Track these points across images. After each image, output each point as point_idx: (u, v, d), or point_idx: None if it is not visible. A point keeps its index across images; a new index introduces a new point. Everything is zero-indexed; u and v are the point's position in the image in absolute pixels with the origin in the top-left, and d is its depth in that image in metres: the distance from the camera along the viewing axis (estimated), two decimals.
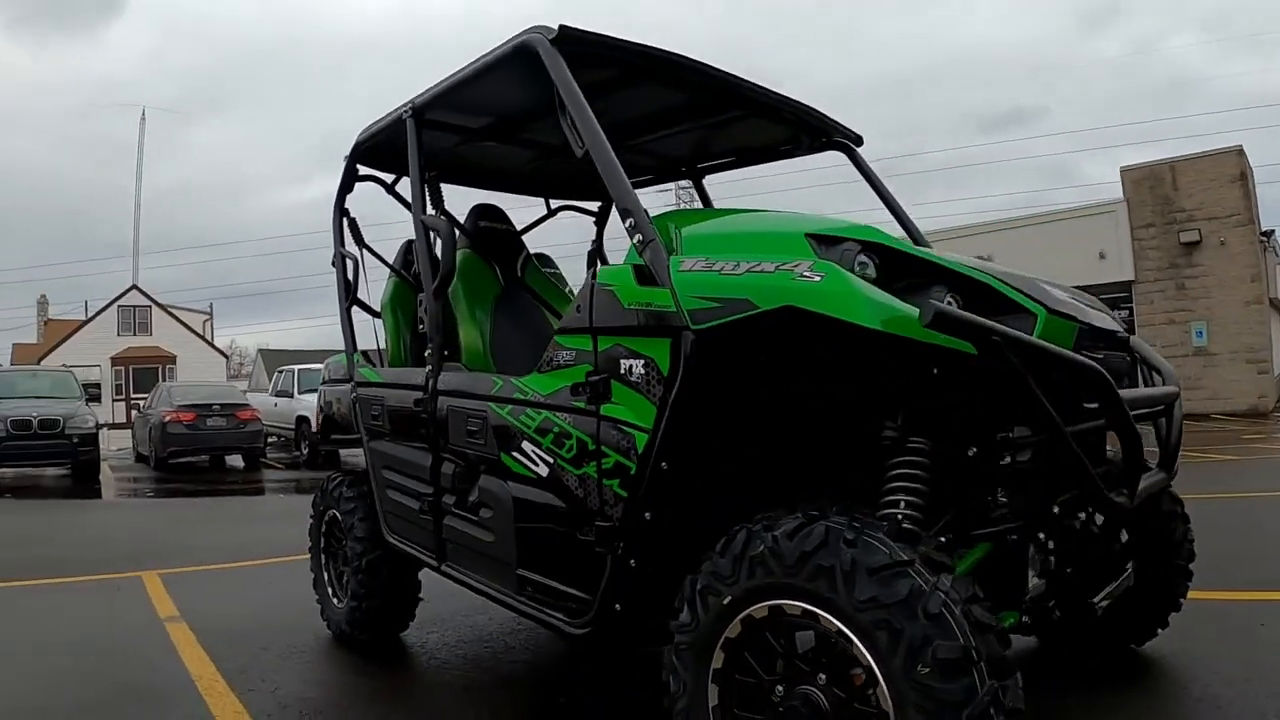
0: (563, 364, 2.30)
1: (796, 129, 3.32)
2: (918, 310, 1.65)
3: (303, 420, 14.86)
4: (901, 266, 1.93)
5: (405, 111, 3.08)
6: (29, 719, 2.88)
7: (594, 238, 4.34)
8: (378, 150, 3.49)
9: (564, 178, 4.02)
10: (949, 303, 1.84)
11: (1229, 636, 3.25)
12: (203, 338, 40.03)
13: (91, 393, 16.03)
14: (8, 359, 38.75)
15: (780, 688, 1.70)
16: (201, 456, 14.70)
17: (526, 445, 2.43)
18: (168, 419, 13.89)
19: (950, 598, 1.52)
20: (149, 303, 38.89)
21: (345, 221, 3.71)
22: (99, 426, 12.91)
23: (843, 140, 3.37)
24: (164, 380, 26.14)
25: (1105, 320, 2.25)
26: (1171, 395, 2.37)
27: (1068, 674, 2.94)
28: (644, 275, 2.06)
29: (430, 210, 3.45)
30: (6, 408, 11.93)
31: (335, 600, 3.74)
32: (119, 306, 38.58)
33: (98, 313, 38.82)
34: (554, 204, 4.23)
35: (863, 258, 1.89)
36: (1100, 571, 2.57)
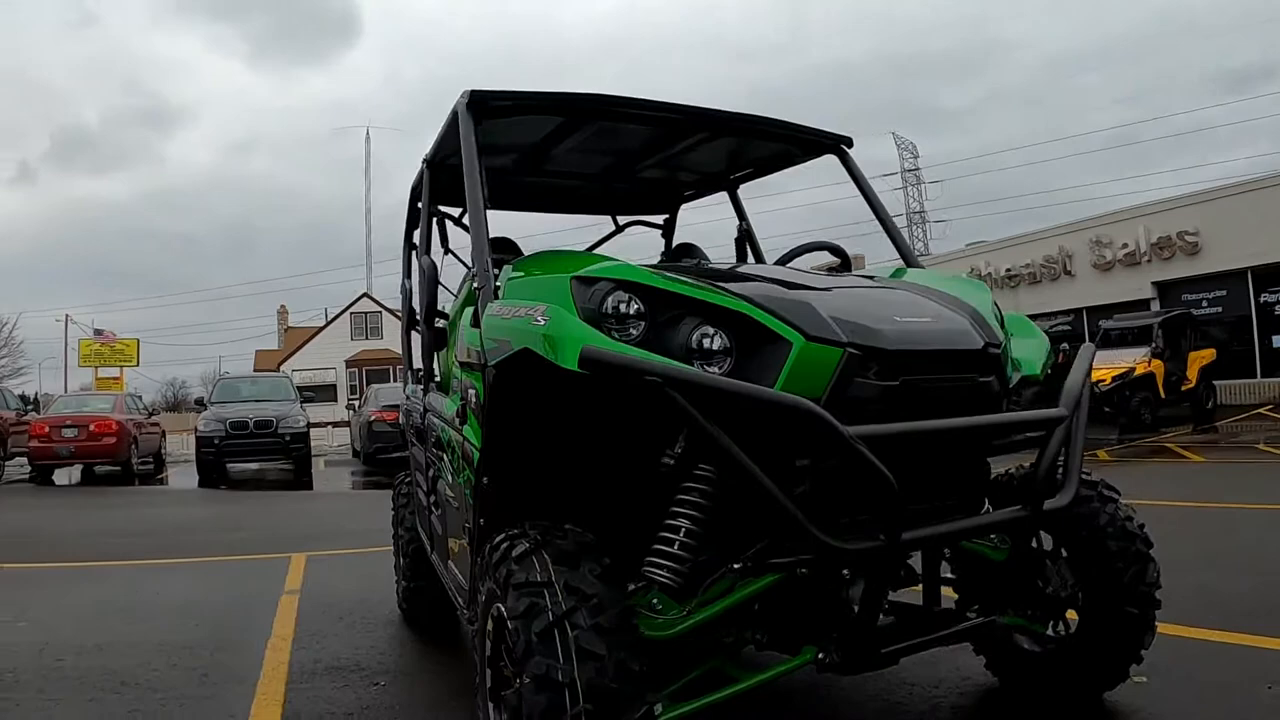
0: (458, 390, 2.73)
1: (781, 142, 3.38)
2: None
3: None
4: (663, 302, 2.03)
5: (423, 161, 3.43)
6: (132, 649, 3.80)
7: (662, 250, 4.56)
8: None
9: (628, 195, 4.30)
10: (699, 337, 1.97)
11: (1220, 698, 2.79)
12: None
13: (306, 395, 18.17)
14: (251, 364, 43.93)
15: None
16: (404, 453, 16.19)
17: (447, 456, 2.91)
18: (373, 418, 15.54)
19: (569, 621, 1.69)
20: (379, 308, 42.69)
21: (419, 242, 4.10)
22: (309, 426, 14.76)
23: (833, 145, 3.35)
24: (394, 381, 28.70)
25: (953, 339, 2.15)
26: (1013, 422, 2.22)
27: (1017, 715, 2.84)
28: (476, 318, 2.36)
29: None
30: (228, 411, 13.97)
31: (398, 582, 4.43)
32: (352, 313, 42.85)
33: (332, 319, 43.33)
34: (622, 220, 4.51)
35: (620, 295, 2.00)
36: (1048, 608, 2.65)
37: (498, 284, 2.42)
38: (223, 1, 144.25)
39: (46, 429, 14.07)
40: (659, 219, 4.58)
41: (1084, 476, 2.45)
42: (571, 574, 1.81)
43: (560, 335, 1.85)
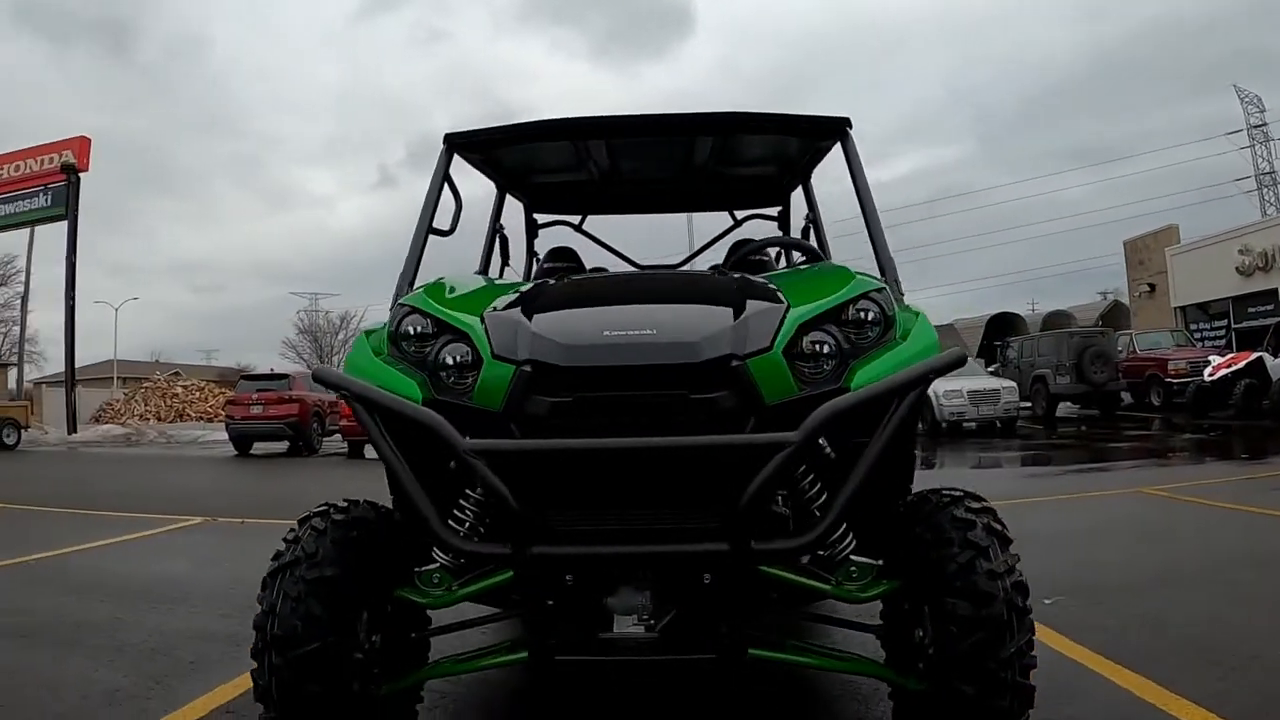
0: None
1: (782, 131, 3.40)
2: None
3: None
4: (437, 324, 2.37)
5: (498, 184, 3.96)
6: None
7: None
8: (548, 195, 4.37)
9: (739, 190, 4.37)
10: (447, 354, 2.27)
11: None
12: None
13: None
14: None
15: None
16: None
17: None
18: None
19: (289, 570, 2.11)
20: None
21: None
22: None
23: (835, 128, 3.21)
24: None
25: (654, 354, 2.10)
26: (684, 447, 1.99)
27: None
28: None
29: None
30: None
31: None
32: None
33: None
34: (739, 214, 4.65)
35: (413, 319, 2.38)
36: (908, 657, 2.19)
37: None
38: (562, 6, 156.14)
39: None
40: (774, 210, 4.63)
41: (955, 514, 2.11)
42: (311, 539, 2.16)
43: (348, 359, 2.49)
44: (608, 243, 4.63)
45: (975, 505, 2.18)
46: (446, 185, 3.21)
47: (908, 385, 2.06)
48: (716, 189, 4.30)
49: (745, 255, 3.63)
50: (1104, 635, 3.54)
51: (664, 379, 2.08)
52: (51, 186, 25.20)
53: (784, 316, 2.23)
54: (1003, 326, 32.40)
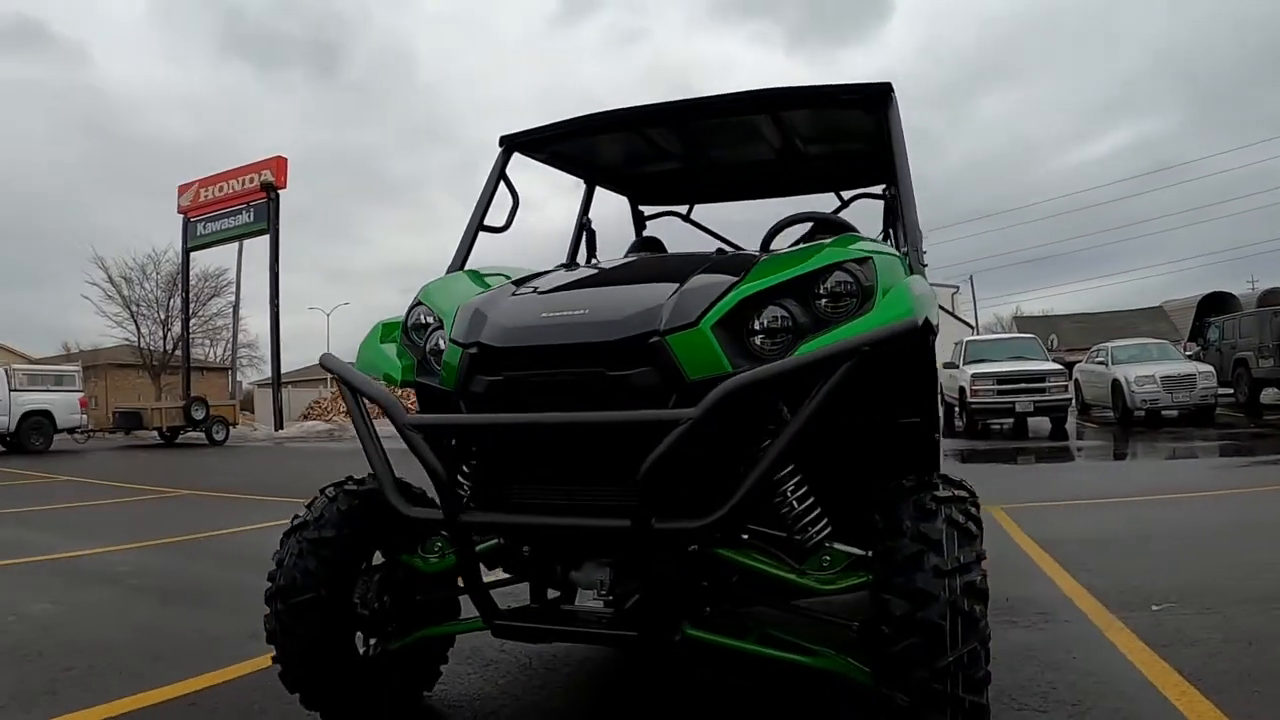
0: None
1: (820, 105, 3.24)
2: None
3: (963, 390, 15.49)
4: (435, 316, 2.55)
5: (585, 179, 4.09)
6: None
7: (883, 220, 4.38)
8: (654, 186, 4.39)
9: (839, 170, 4.21)
10: (435, 339, 2.47)
11: None
12: (950, 312, 40.94)
13: None
14: None
15: None
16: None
17: None
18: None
19: (295, 533, 2.49)
20: None
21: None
22: None
23: (878, 94, 3.04)
24: None
25: (576, 334, 2.13)
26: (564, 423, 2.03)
27: None
28: None
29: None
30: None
31: None
32: None
33: None
34: (845, 194, 4.46)
35: (420, 309, 2.60)
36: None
37: None
38: (753, 0, 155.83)
39: None
40: (878, 189, 4.40)
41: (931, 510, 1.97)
42: (320, 505, 2.53)
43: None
44: (718, 232, 4.53)
45: (943, 494, 2.02)
46: (504, 184, 3.32)
47: (832, 359, 1.92)
48: (818, 170, 4.18)
49: (770, 235, 3.47)
50: (1197, 651, 3.16)
51: (585, 357, 2.10)
52: (254, 204, 27.44)
53: (726, 292, 2.16)
54: (1215, 307, 29.23)
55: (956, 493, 2.06)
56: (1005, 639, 3.24)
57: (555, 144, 3.54)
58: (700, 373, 2.03)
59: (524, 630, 2.25)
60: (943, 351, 31.64)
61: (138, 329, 35.30)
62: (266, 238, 27.63)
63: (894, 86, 3.03)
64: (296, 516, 2.56)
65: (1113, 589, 4.01)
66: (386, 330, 2.71)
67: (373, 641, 2.61)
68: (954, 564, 1.86)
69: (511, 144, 3.38)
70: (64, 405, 20.42)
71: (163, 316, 35.25)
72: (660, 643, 2.11)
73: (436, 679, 2.91)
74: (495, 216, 3.32)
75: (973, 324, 42.57)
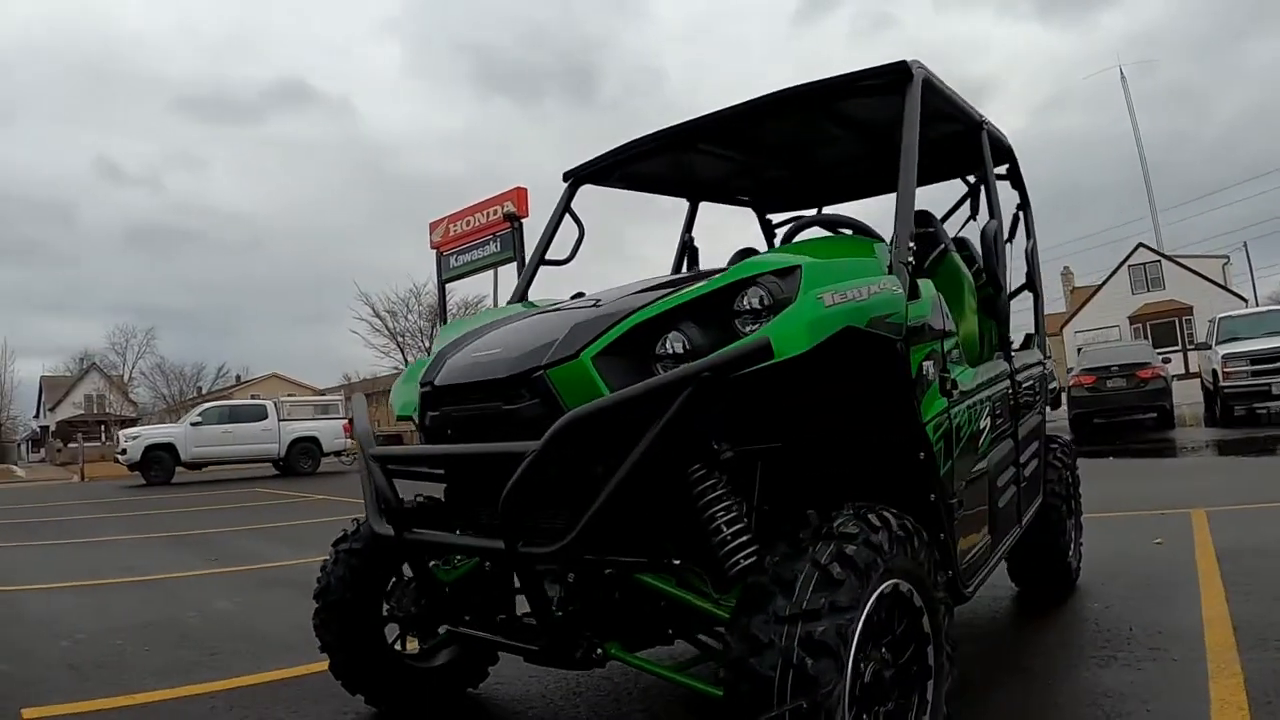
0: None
1: (840, 96, 3.06)
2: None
3: (1214, 374, 13.46)
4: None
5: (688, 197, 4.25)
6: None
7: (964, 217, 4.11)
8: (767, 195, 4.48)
9: (942, 159, 3.91)
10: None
11: None
12: (1221, 285, 37.61)
13: None
14: None
15: None
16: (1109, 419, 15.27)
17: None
18: (1072, 383, 15.01)
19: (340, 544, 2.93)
20: (1157, 257, 39.24)
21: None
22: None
23: (897, 77, 2.82)
24: (1183, 331, 31.07)
25: (481, 371, 2.30)
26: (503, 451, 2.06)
27: None
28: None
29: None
30: None
31: None
32: (1129, 266, 39.83)
33: (1110, 275, 40.74)
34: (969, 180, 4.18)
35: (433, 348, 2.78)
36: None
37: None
38: None
39: None
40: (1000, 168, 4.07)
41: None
42: (359, 523, 2.93)
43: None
44: (863, 222, 4.29)
45: (835, 529, 1.88)
46: (569, 217, 3.49)
47: (669, 387, 1.84)
48: (924, 162, 3.99)
49: (788, 235, 3.43)
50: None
51: (489, 392, 2.26)
52: (499, 234, 29.43)
53: (619, 320, 2.15)
54: None
55: (862, 528, 1.88)
56: (1084, 678, 2.93)
57: (619, 169, 3.55)
58: (580, 403, 2.00)
59: (466, 627, 2.45)
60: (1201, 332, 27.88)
61: (404, 358, 38.20)
62: (514, 265, 29.76)
63: (921, 64, 2.78)
64: (343, 531, 2.98)
65: (1258, 620, 3.38)
66: (415, 369, 2.82)
67: (384, 637, 2.94)
68: (795, 610, 1.72)
69: (577, 178, 3.54)
70: (329, 431, 22.82)
71: (426, 345, 37.58)
72: (560, 660, 2.16)
73: (483, 678, 3.12)
74: (559, 250, 3.45)
75: (1247, 298, 36.71)
